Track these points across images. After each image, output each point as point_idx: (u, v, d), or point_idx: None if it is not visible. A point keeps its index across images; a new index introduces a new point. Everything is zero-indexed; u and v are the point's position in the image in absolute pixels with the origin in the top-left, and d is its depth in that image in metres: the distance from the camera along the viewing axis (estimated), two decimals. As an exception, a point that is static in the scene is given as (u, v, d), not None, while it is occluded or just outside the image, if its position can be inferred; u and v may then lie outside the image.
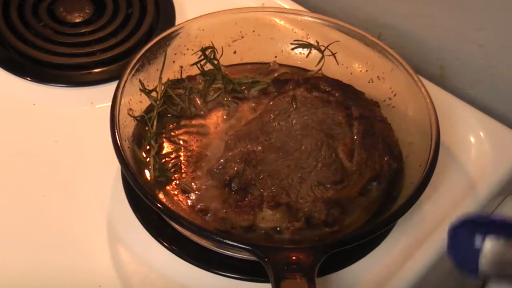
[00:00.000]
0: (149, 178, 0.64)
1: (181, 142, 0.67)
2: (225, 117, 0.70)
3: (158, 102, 0.68)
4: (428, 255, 0.65)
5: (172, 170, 0.65)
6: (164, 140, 0.67)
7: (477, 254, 0.38)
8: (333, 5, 0.90)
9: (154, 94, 0.68)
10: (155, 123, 0.67)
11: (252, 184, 0.62)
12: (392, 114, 0.71)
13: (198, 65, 0.71)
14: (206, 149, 0.67)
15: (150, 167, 0.64)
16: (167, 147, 0.67)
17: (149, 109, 0.69)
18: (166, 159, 0.66)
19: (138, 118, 0.67)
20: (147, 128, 0.67)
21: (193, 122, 0.69)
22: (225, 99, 0.71)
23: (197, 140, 0.67)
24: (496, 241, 0.38)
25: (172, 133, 0.68)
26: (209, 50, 0.71)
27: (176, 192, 0.63)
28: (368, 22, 0.87)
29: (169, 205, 0.61)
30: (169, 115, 0.69)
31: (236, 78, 0.72)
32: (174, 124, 0.69)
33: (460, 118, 0.76)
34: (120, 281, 0.62)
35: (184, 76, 0.72)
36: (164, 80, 0.69)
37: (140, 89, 0.67)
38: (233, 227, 0.61)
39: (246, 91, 0.71)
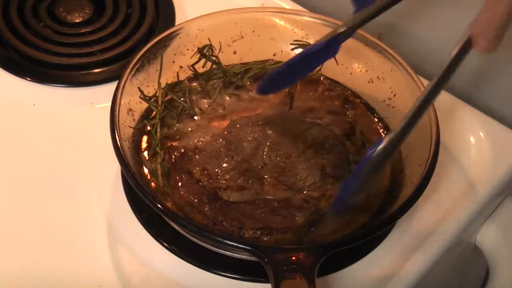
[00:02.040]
0: (155, 185, 0.64)
1: (186, 144, 0.67)
2: (225, 112, 0.70)
3: (159, 107, 0.68)
4: (428, 255, 0.65)
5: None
6: (169, 145, 0.67)
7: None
8: (333, 5, 0.90)
9: (154, 99, 0.68)
10: (158, 129, 0.67)
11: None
12: (392, 114, 0.71)
13: (196, 66, 0.71)
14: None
15: (157, 174, 0.64)
16: (172, 152, 0.67)
17: (149, 110, 0.69)
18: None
19: (139, 127, 0.67)
20: (149, 135, 0.67)
21: (196, 122, 0.69)
22: (226, 94, 0.71)
23: (201, 140, 0.67)
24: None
25: (176, 136, 0.68)
26: (206, 48, 0.71)
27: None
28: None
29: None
30: (170, 119, 0.69)
31: (231, 69, 0.72)
32: (177, 127, 0.69)
33: (460, 118, 0.76)
34: (120, 281, 0.62)
35: (184, 76, 0.72)
36: (163, 82, 0.69)
37: (140, 97, 0.67)
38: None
39: (241, 81, 0.72)
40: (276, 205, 0.62)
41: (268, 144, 0.66)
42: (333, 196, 0.63)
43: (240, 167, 0.64)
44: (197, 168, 0.64)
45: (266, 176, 0.64)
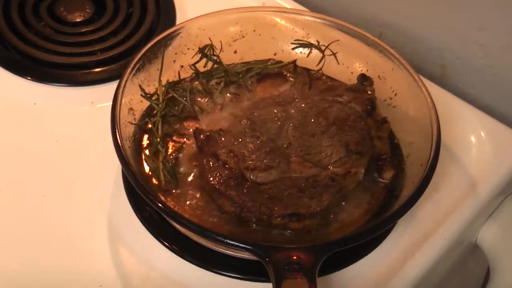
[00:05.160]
0: (157, 182, 0.64)
1: (186, 143, 0.67)
2: (225, 110, 0.70)
3: (160, 105, 0.68)
4: (428, 255, 0.65)
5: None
6: (170, 143, 0.67)
7: None
8: (333, 4, 0.90)
9: (155, 97, 0.68)
10: (159, 127, 0.67)
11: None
12: (392, 113, 0.71)
13: (197, 65, 0.71)
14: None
15: (159, 172, 0.64)
16: (173, 150, 0.67)
17: (149, 109, 0.69)
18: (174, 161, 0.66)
19: (140, 124, 0.67)
20: (150, 133, 0.67)
21: (196, 121, 0.69)
22: (227, 93, 0.71)
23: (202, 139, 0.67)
24: None
25: (177, 135, 0.68)
26: (207, 48, 0.71)
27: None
28: (369, 22, 0.87)
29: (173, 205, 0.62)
30: (171, 117, 0.69)
31: (232, 68, 0.72)
32: (178, 125, 0.69)
33: (461, 117, 0.76)
34: (121, 280, 0.62)
35: (185, 76, 0.72)
36: (164, 81, 0.69)
37: (141, 94, 0.67)
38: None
39: (242, 80, 0.72)
40: (303, 184, 0.62)
41: (291, 123, 0.66)
42: (358, 173, 0.63)
43: (266, 147, 0.64)
44: (223, 150, 0.64)
45: (292, 155, 0.64)
